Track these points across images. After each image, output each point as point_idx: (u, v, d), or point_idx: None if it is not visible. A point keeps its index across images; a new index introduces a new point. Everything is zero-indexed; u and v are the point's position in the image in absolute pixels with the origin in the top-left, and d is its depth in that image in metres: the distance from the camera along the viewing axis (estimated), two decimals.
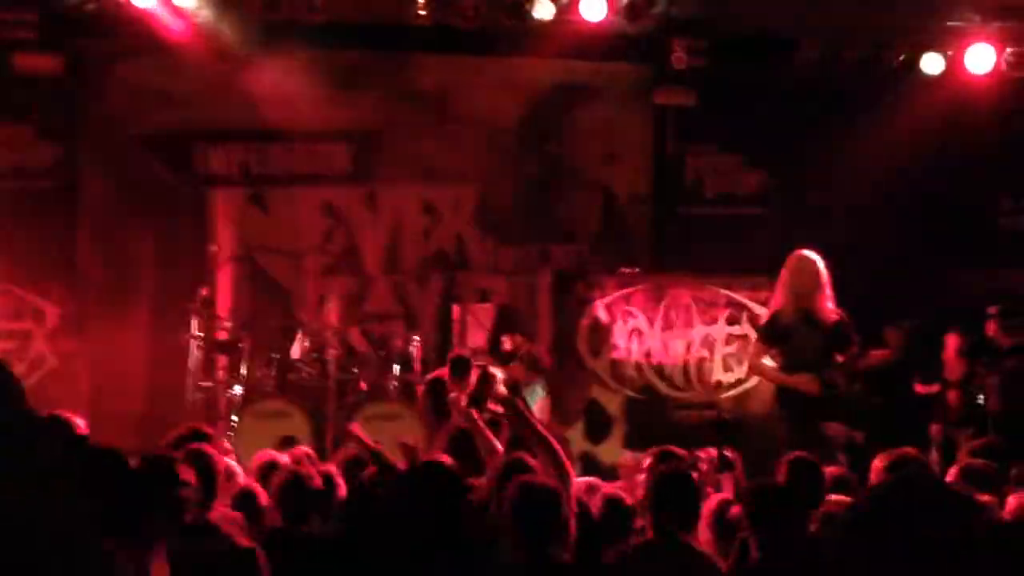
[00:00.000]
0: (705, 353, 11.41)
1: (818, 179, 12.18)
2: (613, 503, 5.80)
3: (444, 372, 9.13)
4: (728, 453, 6.91)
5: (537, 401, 10.96)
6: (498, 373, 8.99)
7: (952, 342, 11.17)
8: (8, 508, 1.57)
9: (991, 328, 10.86)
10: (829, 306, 8.64)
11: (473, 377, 8.99)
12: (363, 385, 11.15)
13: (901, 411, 10.99)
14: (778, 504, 5.28)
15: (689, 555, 5.16)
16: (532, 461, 5.68)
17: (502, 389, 7.53)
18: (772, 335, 8.79)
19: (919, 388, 11.36)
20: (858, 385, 10.40)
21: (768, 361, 8.87)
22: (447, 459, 5.76)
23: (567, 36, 11.72)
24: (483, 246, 13.08)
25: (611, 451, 11.24)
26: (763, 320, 9.12)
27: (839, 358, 8.72)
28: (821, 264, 8.60)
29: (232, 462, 6.79)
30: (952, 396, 11.21)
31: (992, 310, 10.87)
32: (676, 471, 5.64)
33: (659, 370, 11.53)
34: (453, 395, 7.31)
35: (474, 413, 6.41)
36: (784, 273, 8.74)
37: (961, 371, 11.11)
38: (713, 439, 7.26)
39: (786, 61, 12.41)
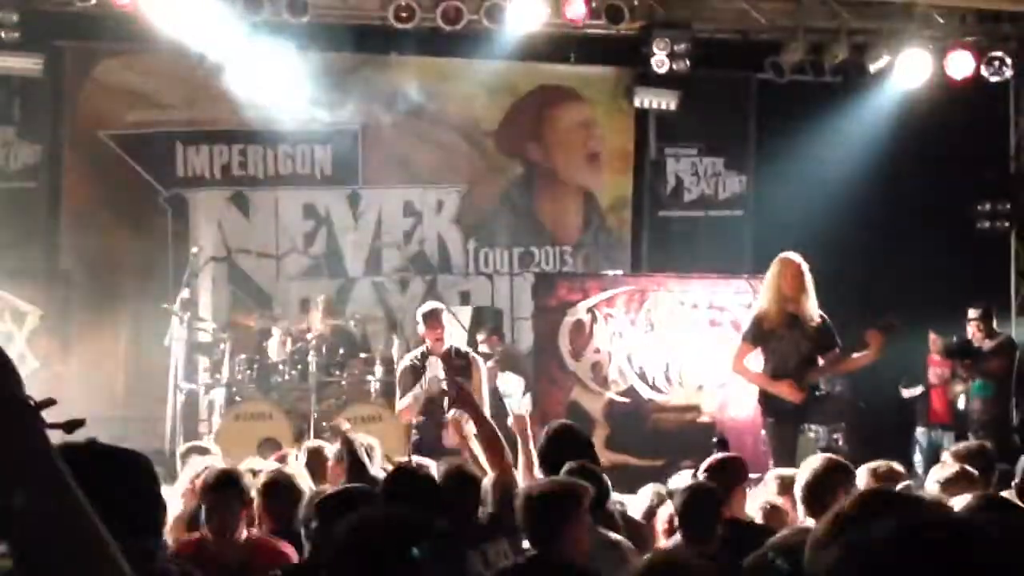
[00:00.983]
0: (687, 355, 11.41)
1: (799, 182, 12.20)
2: None
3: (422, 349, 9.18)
4: None
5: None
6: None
7: (933, 345, 11.24)
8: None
9: (971, 331, 10.92)
10: (813, 309, 8.64)
11: (444, 323, 9.09)
12: (344, 387, 11.13)
13: (883, 413, 11.04)
14: (702, 502, 5.31)
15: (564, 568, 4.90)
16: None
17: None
18: (756, 337, 8.79)
19: (902, 391, 11.44)
20: (840, 387, 10.46)
21: (750, 364, 8.87)
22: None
23: (549, 39, 11.73)
24: (465, 248, 13.10)
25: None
26: (747, 322, 9.12)
27: (821, 360, 8.74)
28: (805, 267, 8.60)
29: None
30: (935, 398, 11.28)
31: (972, 313, 10.92)
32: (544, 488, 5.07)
33: (641, 372, 11.51)
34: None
35: (462, 431, 6.47)
36: (769, 276, 8.74)
37: (943, 373, 11.18)
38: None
39: (767, 65, 12.46)
